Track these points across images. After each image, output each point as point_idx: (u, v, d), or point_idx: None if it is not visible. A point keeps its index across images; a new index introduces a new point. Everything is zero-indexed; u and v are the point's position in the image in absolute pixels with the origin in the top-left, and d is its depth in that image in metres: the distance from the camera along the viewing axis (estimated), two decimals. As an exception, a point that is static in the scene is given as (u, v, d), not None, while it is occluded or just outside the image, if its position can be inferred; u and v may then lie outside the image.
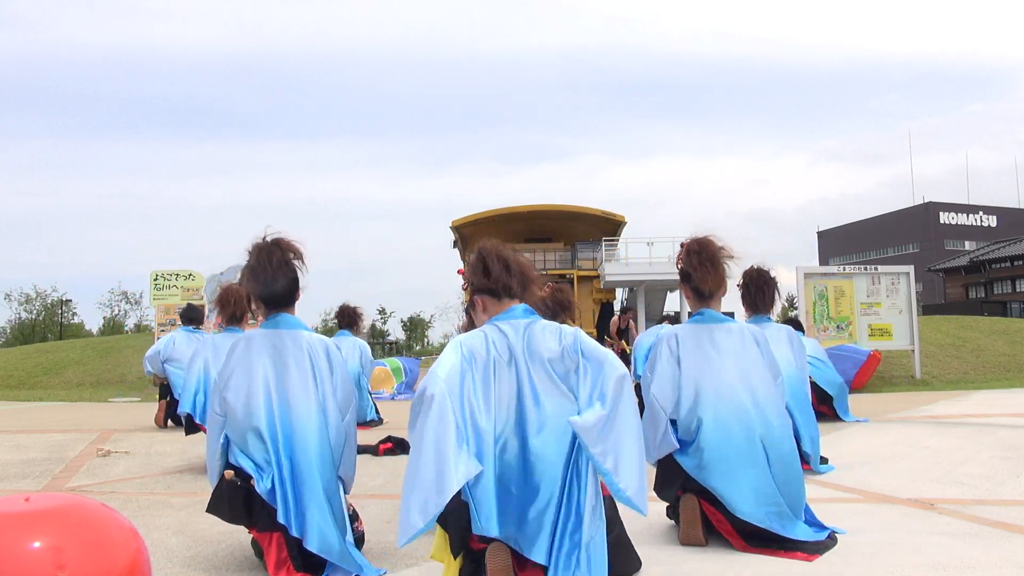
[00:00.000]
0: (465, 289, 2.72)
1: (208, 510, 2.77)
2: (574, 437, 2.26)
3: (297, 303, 2.98)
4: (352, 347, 7.60)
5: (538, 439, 2.25)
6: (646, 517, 3.43)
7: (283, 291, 2.85)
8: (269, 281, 2.81)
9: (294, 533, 2.57)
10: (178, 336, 7.76)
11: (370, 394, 7.97)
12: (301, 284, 2.92)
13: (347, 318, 8.04)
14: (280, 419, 2.69)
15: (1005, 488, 3.99)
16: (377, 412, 7.93)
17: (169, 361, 7.64)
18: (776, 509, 2.88)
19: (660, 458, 3.10)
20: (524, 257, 2.60)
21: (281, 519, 2.58)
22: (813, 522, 3.01)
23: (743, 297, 4.55)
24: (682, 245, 3.28)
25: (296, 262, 2.88)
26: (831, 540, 2.93)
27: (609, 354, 2.38)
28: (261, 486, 2.62)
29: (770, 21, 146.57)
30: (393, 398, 11.94)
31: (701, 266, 3.15)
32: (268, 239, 2.86)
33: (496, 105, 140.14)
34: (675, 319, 8.27)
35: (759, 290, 4.42)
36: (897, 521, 3.34)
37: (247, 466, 2.68)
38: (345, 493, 2.83)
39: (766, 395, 3.02)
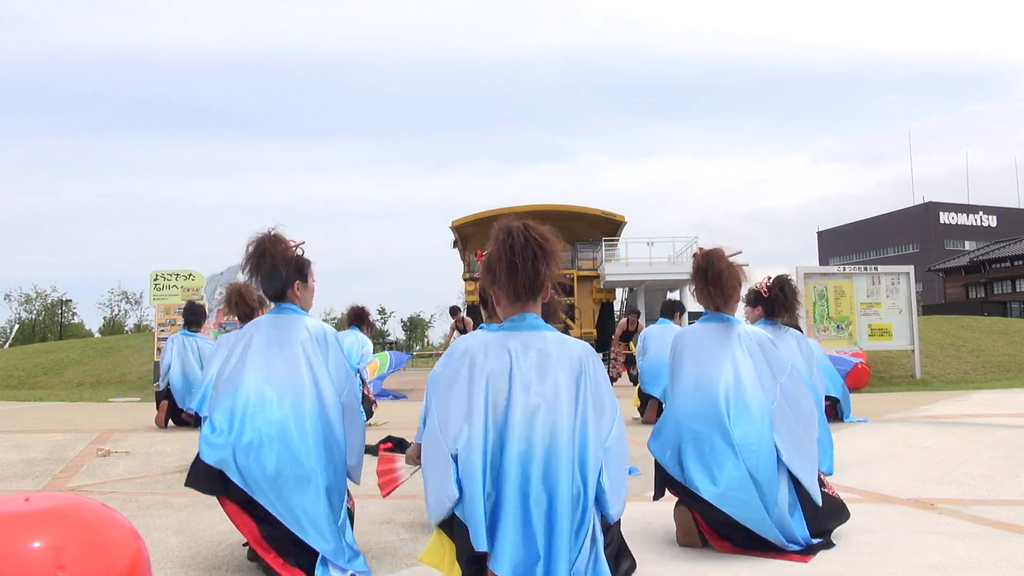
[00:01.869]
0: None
1: (186, 483, 2.76)
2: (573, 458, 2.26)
3: (308, 292, 3.01)
4: (354, 342, 7.76)
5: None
6: (646, 517, 3.44)
7: (270, 288, 2.94)
8: (252, 275, 2.91)
9: (265, 505, 2.55)
10: (178, 343, 7.88)
11: (364, 388, 7.99)
12: (294, 278, 2.92)
13: (356, 317, 8.32)
14: (273, 395, 2.71)
15: (1005, 488, 3.99)
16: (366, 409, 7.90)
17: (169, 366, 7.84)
18: (755, 504, 2.84)
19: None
20: (554, 239, 2.40)
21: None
22: (804, 533, 2.92)
23: (766, 302, 4.56)
24: (694, 256, 3.31)
25: (283, 259, 2.89)
26: (826, 544, 2.92)
27: (606, 397, 2.35)
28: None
29: (770, 21, 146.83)
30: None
31: (704, 285, 3.20)
32: (258, 235, 2.90)
33: (496, 105, 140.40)
34: (679, 305, 8.25)
35: (786, 297, 4.47)
36: (897, 521, 3.34)
37: None
38: (350, 479, 2.82)
39: (752, 395, 3.00)
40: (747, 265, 3.29)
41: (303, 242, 2.99)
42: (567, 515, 2.17)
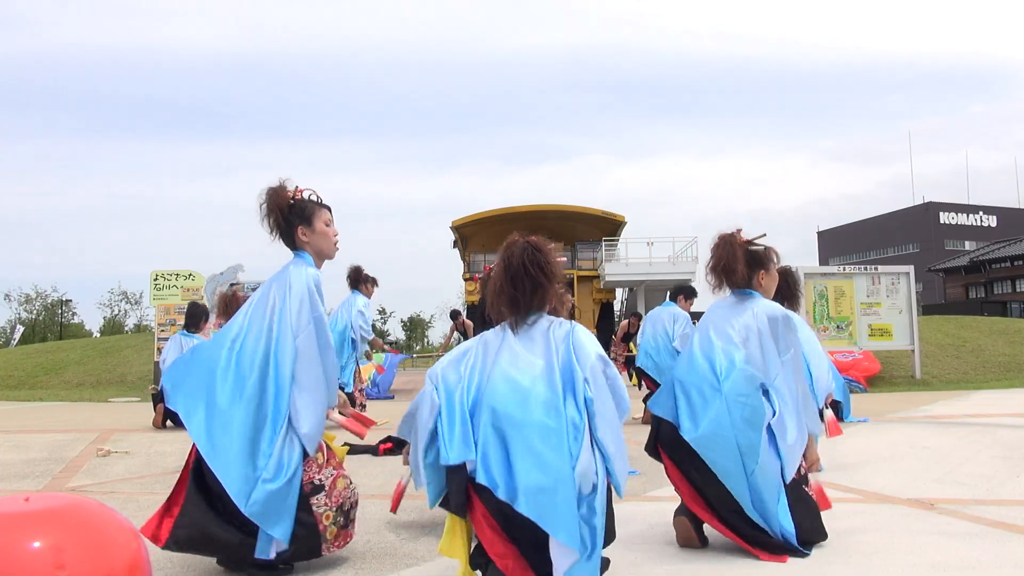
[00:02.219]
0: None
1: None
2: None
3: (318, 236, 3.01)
4: (349, 304, 7.85)
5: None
6: (647, 517, 3.44)
7: (284, 239, 3.00)
8: (269, 231, 2.97)
9: (180, 414, 2.71)
10: (175, 344, 7.86)
11: (357, 363, 7.93)
12: (296, 222, 2.94)
13: (354, 279, 8.41)
14: (243, 334, 2.84)
15: (1005, 488, 4.00)
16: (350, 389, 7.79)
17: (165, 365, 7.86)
18: (732, 451, 2.88)
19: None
20: (555, 261, 2.59)
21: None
22: (788, 527, 2.88)
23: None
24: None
25: (280, 207, 2.92)
26: (803, 552, 2.86)
27: (591, 355, 2.43)
28: None
29: (770, 21, 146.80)
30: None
31: (709, 272, 3.29)
32: (263, 190, 2.94)
33: (497, 105, 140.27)
34: (686, 288, 8.27)
35: (788, 286, 4.53)
36: (897, 521, 3.34)
37: None
38: (300, 415, 2.74)
39: (749, 361, 3.02)
40: (764, 248, 3.30)
41: (302, 188, 2.97)
42: (564, 444, 2.24)
